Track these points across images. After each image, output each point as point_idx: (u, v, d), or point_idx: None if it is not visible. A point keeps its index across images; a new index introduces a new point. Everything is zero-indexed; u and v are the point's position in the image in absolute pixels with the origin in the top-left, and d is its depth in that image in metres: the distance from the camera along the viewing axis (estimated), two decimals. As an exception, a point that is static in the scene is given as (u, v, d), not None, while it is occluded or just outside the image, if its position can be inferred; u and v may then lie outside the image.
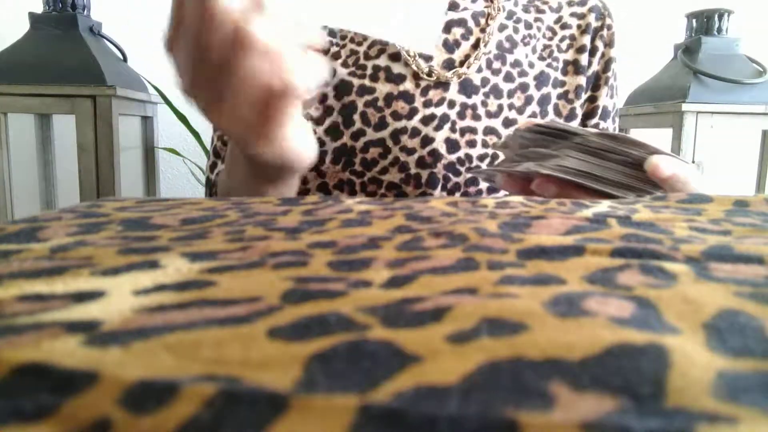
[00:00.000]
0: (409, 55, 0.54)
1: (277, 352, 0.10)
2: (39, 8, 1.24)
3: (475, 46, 0.56)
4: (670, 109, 1.23)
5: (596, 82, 0.60)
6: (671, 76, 1.30)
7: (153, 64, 1.48)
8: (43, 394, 0.09)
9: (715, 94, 1.21)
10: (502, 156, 0.53)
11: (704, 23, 1.29)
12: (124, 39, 1.37)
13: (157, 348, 0.11)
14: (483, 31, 0.57)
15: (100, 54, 1.21)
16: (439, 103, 0.55)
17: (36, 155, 1.44)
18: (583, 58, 0.59)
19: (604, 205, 0.27)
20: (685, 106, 1.20)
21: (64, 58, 1.18)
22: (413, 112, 0.54)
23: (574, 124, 0.59)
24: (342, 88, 0.55)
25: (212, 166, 0.58)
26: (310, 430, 0.08)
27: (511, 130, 0.54)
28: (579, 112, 0.59)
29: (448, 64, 0.56)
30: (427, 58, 0.55)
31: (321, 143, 0.55)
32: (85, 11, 1.26)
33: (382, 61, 0.55)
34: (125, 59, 1.36)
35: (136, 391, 0.09)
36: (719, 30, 1.28)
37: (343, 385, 0.09)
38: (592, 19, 0.59)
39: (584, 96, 0.59)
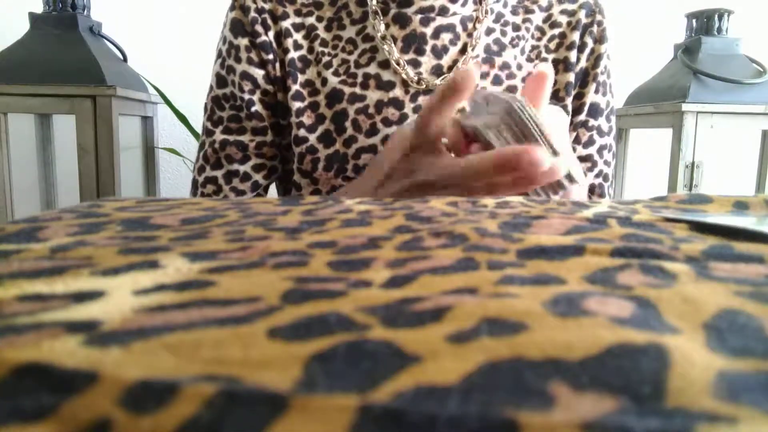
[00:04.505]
0: (397, 64, 0.55)
1: (277, 352, 0.10)
2: (39, 8, 1.24)
3: (463, 51, 0.56)
4: (670, 109, 1.23)
5: (584, 78, 0.59)
6: (671, 76, 1.30)
7: (153, 64, 1.48)
8: (43, 394, 0.09)
9: (715, 94, 1.21)
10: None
11: (704, 23, 1.29)
12: (124, 39, 1.37)
13: (157, 348, 0.11)
14: (470, 35, 0.57)
15: (100, 54, 1.21)
16: None
17: (36, 155, 1.44)
18: (572, 55, 0.59)
19: (604, 206, 0.27)
20: (685, 106, 1.20)
21: (64, 58, 1.18)
22: (403, 117, 0.55)
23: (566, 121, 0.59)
24: (334, 97, 0.55)
25: (200, 169, 0.59)
26: (310, 430, 0.08)
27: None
28: (570, 109, 0.59)
29: (437, 71, 0.56)
30: (416, 65, 0.55)
31: (314, 150, 0.55)
32: (85, 11, 1.26)
33: (372, 69, 0.55)
34: (125, 59, 1.36)
35: (136, 391, 0.09)
36: (719, 30, 1.28)
37: (343, 385, 0.09)
38: (582, 15, 0.59)
39: (573, 93, 0.59)
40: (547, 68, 0.41)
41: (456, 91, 0.39)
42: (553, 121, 0.42)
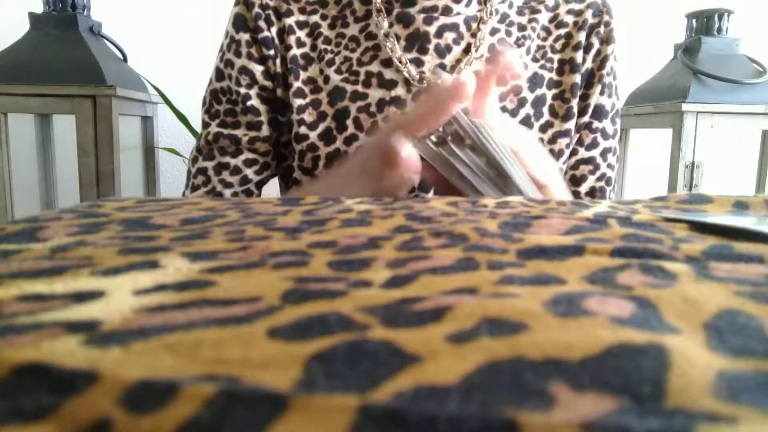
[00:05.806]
0: (400, 62, 0.55)
1: (277, 352, 0.10)
2: (39, 8, 1.24)
3: (467, 50, 0.56)
4: (670, 109, 1.23)
5: (590, 80, 0.59)
6: (671, 76, 1.30)
7: (153, 64, 1.48)
8: (43, 394, 0.09)
9: (715, 94, 1.21)
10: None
11: (704, 23, 1.29)
12: (124, 39, 1.37)
13: (157, 348, 0.11)
14: (474, 35, 0.56)
15: (100, 54, 1.21)
16: None
17: (36, 155, 1.43)
18: (578, 56, 0.58)
19: (604, 206, 0.27)
20: (685, 106, 1.20)
21: (64, 58, 1.18)
22: None
23: (572, 123, 0.58)
24: (335, 94, 0.55)
25: (194, 160, 0.60)
26: (310, 430, 0.08)
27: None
28: (576, 110, 0.58)
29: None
30: (419, 64, 0.55)
31: (314, 148, 0.56)
32: (85, 11, 1.26)
33: (375, 67, 0.55)
34: (125, 59, 1.36)
35: (136, 391, 0.09)
36: (719, 30, 1.28)
37: (343, 385, 0.09)
38: (589, 15, 0.59)
39: (579, 93, 0.58)
40: (467, 76, 0.39)
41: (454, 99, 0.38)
42: (519, 142, 0.41)
